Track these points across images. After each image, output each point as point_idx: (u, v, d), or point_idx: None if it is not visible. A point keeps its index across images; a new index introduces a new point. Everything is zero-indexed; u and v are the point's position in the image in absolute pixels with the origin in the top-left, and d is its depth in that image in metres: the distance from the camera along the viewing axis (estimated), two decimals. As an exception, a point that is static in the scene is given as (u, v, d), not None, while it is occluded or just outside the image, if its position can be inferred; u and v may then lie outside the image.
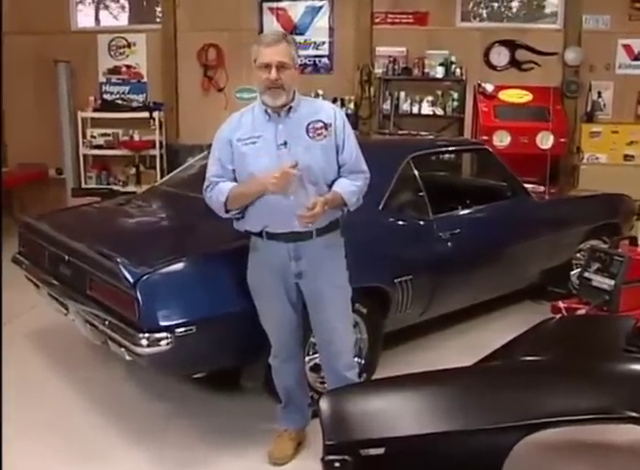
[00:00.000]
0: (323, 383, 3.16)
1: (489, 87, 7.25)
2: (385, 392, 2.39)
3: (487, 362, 2.69)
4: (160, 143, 7.93)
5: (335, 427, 2.13)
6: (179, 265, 2.94)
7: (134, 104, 8.08)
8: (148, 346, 2.76)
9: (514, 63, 7.62)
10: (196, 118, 7.85)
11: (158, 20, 8.38)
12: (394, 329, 3.79)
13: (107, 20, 8.92)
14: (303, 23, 7.91)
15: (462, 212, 4.30)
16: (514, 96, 7.25)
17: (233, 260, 2.94)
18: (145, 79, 8.23)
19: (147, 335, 2.76)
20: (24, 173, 7.80)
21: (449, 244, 3.88)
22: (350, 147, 2.74)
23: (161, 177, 7.18)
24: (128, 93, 8.21)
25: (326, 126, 2.69)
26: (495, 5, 8.35)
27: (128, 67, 8.21)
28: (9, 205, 6.91)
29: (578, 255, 4.90)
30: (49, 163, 8.12)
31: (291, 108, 2.68)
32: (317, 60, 7.94)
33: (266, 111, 2.69)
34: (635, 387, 2.31)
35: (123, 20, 8.93)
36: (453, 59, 7.47)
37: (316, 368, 3.24)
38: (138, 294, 2.79)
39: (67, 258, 3.36)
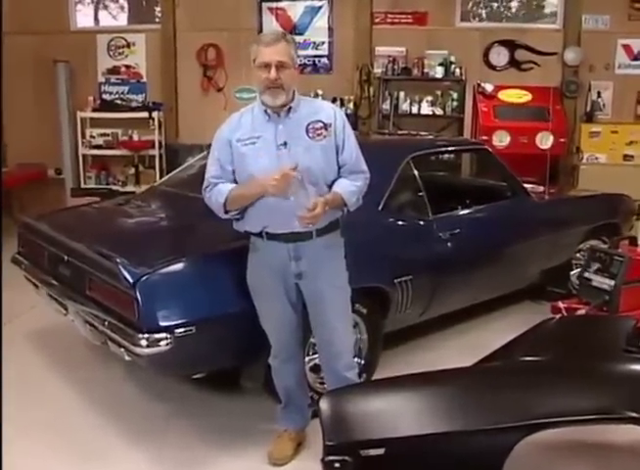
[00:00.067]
0: (323, 383, 3.16)
1: (489, 87, 7.25)
2: (385, 392, 2.39)
3: (487, 363, 2.69)
4: (160, 143, 7.93)
5: (335, 428, 2.13)
6: (179, 266, 2.94)
7: (133, 104, 8.07)
8: (147, 346, 2.76)
9: (513, 63, 7.62)
10: (195, 118, 7.85)
11: (157, 20, 8.38)
12: (394, 329, 3.78)
13: (106, 20, 8.91)
14: (303, 22, 7.90)
15: (462, 213, 4.30)
16: (513, 96, 7.25)
17: (233, 261, 2.93)
18: (144, 79, 8.22)
19: (146, 335, 2.75)
20: (24, 173, 7.80)
21: (449, 244, 3.87)
22: (350, 147, 2.73)
23: (161, 177, 7.18)
24: (127, 93, 8.20)
25: (326, 127, 2.68)
26: (495, 5, 8.34)
27: (127, 67, 8.21)
28: (8, 205, 6.90)
29: (578, 255, 4.90)
30: (48, 163, 8.11)
31: (290, 108, 2.68)
32: (316, 60, 7.93)
33: (266, 111, 2.69)
34: (635, 387, 2.31)
35: (122, 20, 8.91)
36: (453, 59, 7.46)
37: (316, 369, 3.24)
38: (138, 294, 2.79)
39: (66, 258, 3.36)
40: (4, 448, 2.61)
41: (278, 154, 2.64)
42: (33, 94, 8.04)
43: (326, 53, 7.93)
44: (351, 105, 7.73)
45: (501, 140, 6.85)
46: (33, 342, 4.29)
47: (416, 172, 3.94)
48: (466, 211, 4.32)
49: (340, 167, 2.74)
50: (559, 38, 7.53)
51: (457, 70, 7.46)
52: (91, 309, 3.13)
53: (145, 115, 7.84)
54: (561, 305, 4.17)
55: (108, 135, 8.02)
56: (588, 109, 7.49)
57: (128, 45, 8.17)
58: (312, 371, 3.27)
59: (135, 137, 7.97)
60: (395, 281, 3.56)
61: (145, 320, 2.78)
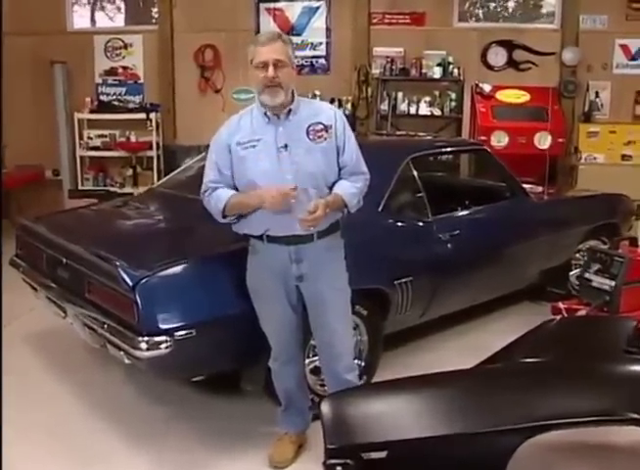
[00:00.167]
0: (323, 385, 3.15)
1: (487, 87, 7.25)
2: (386, 395, 2.39)
3: (488, 364, 2.69)
4: (157, 144, 7.90)
5: (336, 431, 2.13)
6: (178, 268, 2.92)
7: (131, 105, 8.05)
8: (147, 349, 2.75)
9: (511, 63, 7.62)
10: (193, 120, 7.83)
11: (154, 21, 8.35)
12: (394, 331, 3.78)
13: (103, 21, 8.88)
14: (300, 23, 7.89)
15: (461, 214, 4.29)
16: (511, 96, 7.24)
17: (232, 263, 2.92)
18: (141, 80, 8.20)
19: (146, 338, 2.74)
20: (22, 175, 7.78)
21: (449, 245, 3.87)
22: (351, 149, 2.73)
23: (159, 179, 7.18)
24: (125, 94, 8.17)
25: (326, 128, 2.68)
26: (492, 5, 8.34)
27: (125, 68, 8.18)
28: (6, 206, 6.88)
29: (577, 255, 4.89)
30: (45, 164, 8.09)
31: (290, 110, 2.67)
32: (314, 60, 7.93)
33: (266, 113, 2.68)
34: (636, 388, 2.31)
35: (119, 21, 8.89)
36: (450, 59, 7.46)
37: (316, 371, 3.23)
38: (137, 297, 2.77)
39: (64, 260, 3.34)
40: (4, 451, 2.60)
41: (279, 156, 2.63)
42: (31, 95, 8.01)
43: (324, 53, 7.92)
44: (349, 105, 7.72)
45: (499, 140, 6.84)
46: (32, 344, 4.27)
47: (415, 173, 3.94)
48: (465, 212, 4.32)
49: (340, 169, 2.73)
50: (557, 38, 7.53)
51: (455, 71, 7.45)
52: (90, 312, 3.12)
53: (142, 116, 7.81)
54: (561, 305, 4.16)
55: (105, 136, 7.99)
56: (586, 109, 7.50)
57: (125, 46, 8.14)
58: (312, 373, 3.26)
59: (133, 138, 7.93)
60: (395, 282, 3.55)
61: (144, 323, 2.77)
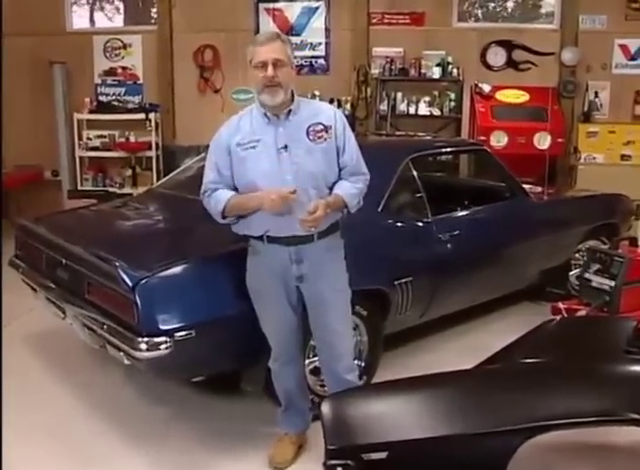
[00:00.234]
0: (323, 386, 3.15)
1: (486, 87, 7.24)
2: (387, 395, 2.39)
3: (489, 365, 2.68)
4: (157, 144, 7.89)
5: (337, 431, 2.13)
6: (178, 269, 2.92)
7: (130, 105, 8.04)
8: (147, 350, 2.74)
9: (510, 63, 7.62)
10: (192, 120, 7.82)
11: (153, 21, 8.35)
12: (394, 331, 3.78)
13: (102, 21, 8.88)
14: (300, 23, 7.89)
15: (461, 214, 4.29)
16: (511, 96, 7.24)
17: (232, 263, 2.92)
18: (141, 81, 8.19)
19: (146, 339, 2.74)
20: (21, 175, 7.77)
21: (448, 245, 3.87)
22: (351, 149, 2.73)
23: (158, 179, 7.18)
24: (124, 95, 8.16)
25: (326, 129, 2.68)
26: (491, 5, 8.34)
27: (124, 68, 8.17)
28: (5, 207, 6.88)
29: (577, 255, 4.89)
30: (45, 164, 8.08)
31: (290, 110, 2.67)
32: (313, 61, 7.92)
33: (266, 114, 2.67)
34: (636, 388, 2.31)
35: (118, 21, 8.88)
36: (450, 59, 7.46)
37: (316, 371, 3.22)
38: (137, 297, 2.77)
39: (64, 261, 3.34)
40: (4, 452, 2.60)
41: (279, 157, 2.63)
42: (30, 95, 8.00)
43: (323, 54, 7.91)
44: (348, 106, 7.72)
45: (499, 140, 6.84)
46: (32, 345, 4.27)
47: (415, 173, 3.94)
48: (465, 212, 4.32)
49: (340, 169, 2.73)
50: (556, 38, 7.53)
51: (454, 71, 7.45)
52: (90, 313, 3.12)
53: (142, 116, 7.80)
54: (561, 305, 4.16)
55: (104, 137, 7.99)
56: (586, 109, 7.49)
57: (124, 46, 8.14)
58: (312, 374, 3.26)
59: (132, 139, 7.93)
60: (395, 283, 3.55)
61: (144, 324, 2.77)
